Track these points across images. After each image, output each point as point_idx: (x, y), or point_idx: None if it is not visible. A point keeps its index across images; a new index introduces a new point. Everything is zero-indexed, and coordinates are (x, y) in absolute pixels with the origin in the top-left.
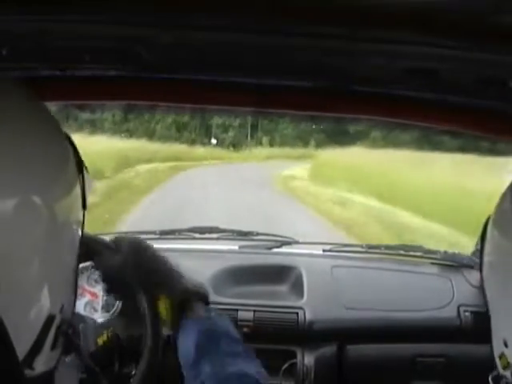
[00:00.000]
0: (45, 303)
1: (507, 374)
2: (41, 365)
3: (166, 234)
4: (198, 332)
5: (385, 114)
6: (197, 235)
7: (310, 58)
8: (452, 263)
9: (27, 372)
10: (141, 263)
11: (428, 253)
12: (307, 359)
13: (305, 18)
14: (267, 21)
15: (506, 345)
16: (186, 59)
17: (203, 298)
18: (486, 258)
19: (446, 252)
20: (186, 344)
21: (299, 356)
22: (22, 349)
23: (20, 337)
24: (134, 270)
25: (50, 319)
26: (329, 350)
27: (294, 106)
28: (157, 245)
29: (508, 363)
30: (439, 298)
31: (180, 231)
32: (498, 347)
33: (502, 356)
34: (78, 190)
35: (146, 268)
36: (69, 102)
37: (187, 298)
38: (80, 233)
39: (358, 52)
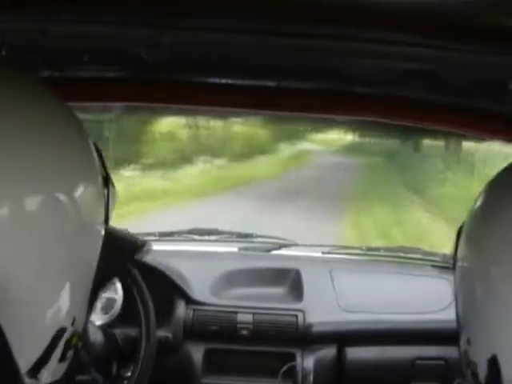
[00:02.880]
0: (56, 315)
1: (468, 372)
2: (46, 376)
3: (165, 236)
4: None
5: (384, 115)
6: (196, 237)
7: (310, 59)
8: (451, 265)
9: (31, 382)
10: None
11: (427, 255)
12: (306, 362)
13: (304, 19)
14: (267, 22)
15: (468, 342)
16: (186, 60)
17: None
18: (458, 263)
19: (445, 254)
20: None
21: (298, 358)
22: (27, 359)
23: (26, 347)
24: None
25: (60, 332)
26: (328, 352)
27: (294, 107)
28: (156, 246)
29: (469, 361)
30: (439, 300)
31: (179, 233)
32: (462, 346)
33: (464, 354)
34: (102, 200)
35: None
36: (68, 103)
37: None
38: (100, 245)
39: (357, 53)
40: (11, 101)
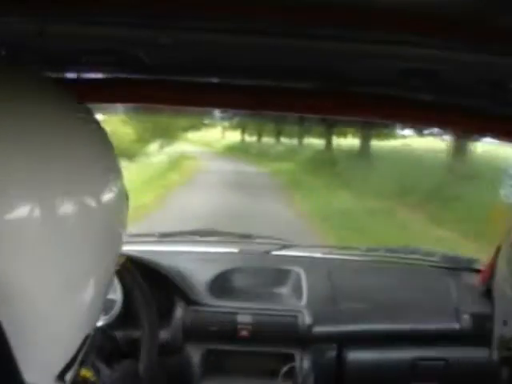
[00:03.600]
0: (84, 322)
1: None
2: (69, 379)
3: (166, 237)
4: None
5: (384, 115)
6: (197, 238)
7: (309, 59)
8: (451, 266)
9: None
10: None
11: (427, 255)
12: (306, 362)
13: (304, 20)
14: (266, 23)
15: (504, 323)
16: (186, 61)
17: None
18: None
19: (444, 255)
20: None
21: (298, 359)
22: (58, 364)
23: (59, 353)
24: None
25: (86, 338)
26: (328, 353)
27: (293, 107)
28: (157, 247)
29: (505, 341)
30: (438, 300)
31: (180, 234)
32: (498, 331)
33: (500, 338)
34: (125, 202)
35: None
36: None
37: None
38: (121, 248)
39: (357, 53)
40: (40, 105)
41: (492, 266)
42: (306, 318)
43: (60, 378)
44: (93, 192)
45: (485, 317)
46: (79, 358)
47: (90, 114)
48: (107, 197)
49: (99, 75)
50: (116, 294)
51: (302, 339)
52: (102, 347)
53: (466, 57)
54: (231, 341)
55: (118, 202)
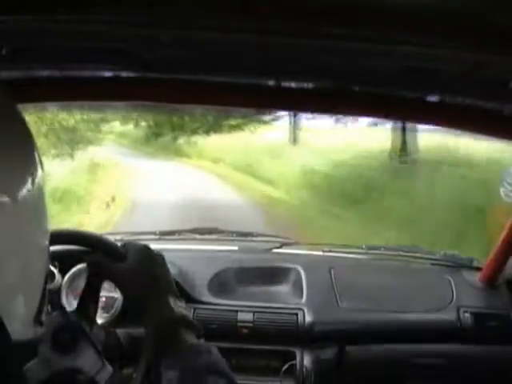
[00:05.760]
0: (46, 256)
1: None
2: (43, 319)
3: (165, 235)
4: (181, 369)
5: (385, 114)
6: (197, 236)
7: (310, 58)
8: (451, 264)
9: (40, 329)
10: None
11: (427, 253)
12: (307, 360)
13: (305, 19)
14: (267, 21)
15: None
16: (187, 59)
17: (194, 329)
18: None
19: (445, 253)
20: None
21: (299, 357)
22: (33, 308)
23: (31, 297)
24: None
25: (47, 276)
26: (328, 351)
27: (294, 106)
28: (156, 245)
29: None
30: (439, 298)
31: (180, 232)
32: None
33: None
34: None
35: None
36: (69, 102)
37: (175, 328)
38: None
39: (358, 52)
40: None
41: (495, 264)
42: (307, 316)
43: (37, 321)
44: (8, 187)
45: (485, 315)
46: (46, 300)
47: (9, 105)
48: (24, 193)
49: (100, 74)
50: (117, 292)
51: (303, 337)
52: (104, 344)
53: (467, 56)
54: (231, 339)
55: (36, 199)
